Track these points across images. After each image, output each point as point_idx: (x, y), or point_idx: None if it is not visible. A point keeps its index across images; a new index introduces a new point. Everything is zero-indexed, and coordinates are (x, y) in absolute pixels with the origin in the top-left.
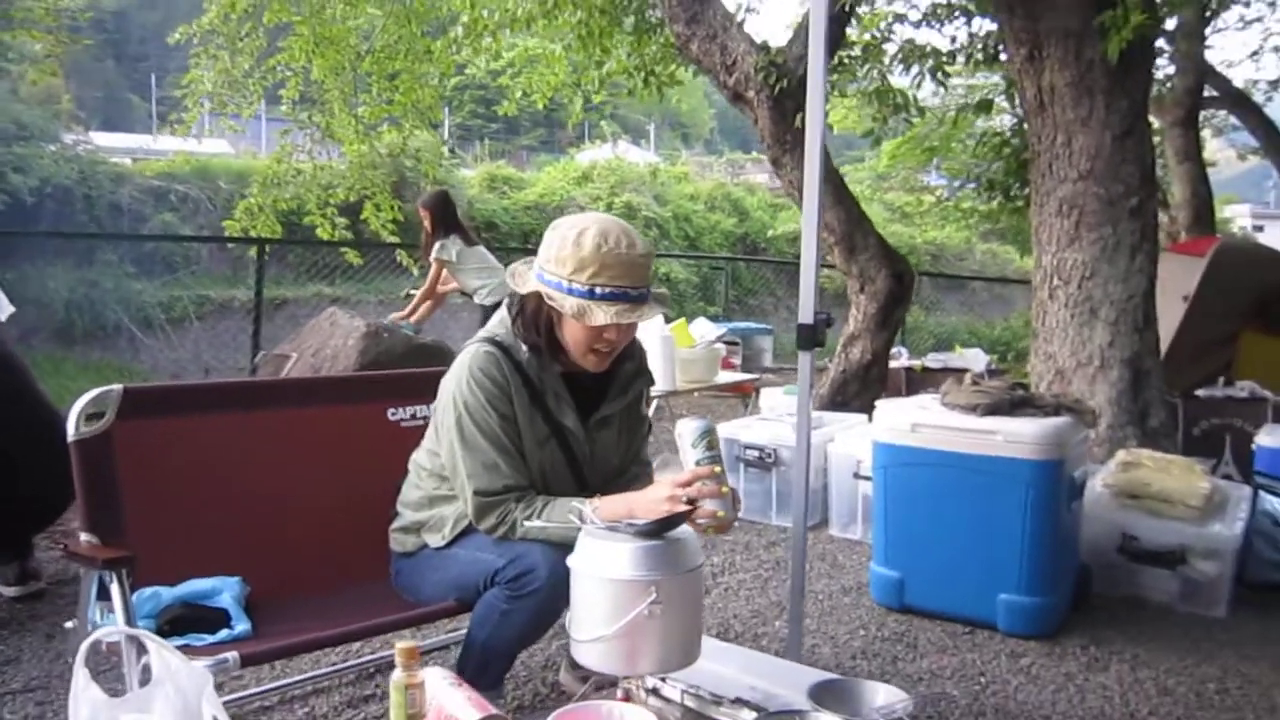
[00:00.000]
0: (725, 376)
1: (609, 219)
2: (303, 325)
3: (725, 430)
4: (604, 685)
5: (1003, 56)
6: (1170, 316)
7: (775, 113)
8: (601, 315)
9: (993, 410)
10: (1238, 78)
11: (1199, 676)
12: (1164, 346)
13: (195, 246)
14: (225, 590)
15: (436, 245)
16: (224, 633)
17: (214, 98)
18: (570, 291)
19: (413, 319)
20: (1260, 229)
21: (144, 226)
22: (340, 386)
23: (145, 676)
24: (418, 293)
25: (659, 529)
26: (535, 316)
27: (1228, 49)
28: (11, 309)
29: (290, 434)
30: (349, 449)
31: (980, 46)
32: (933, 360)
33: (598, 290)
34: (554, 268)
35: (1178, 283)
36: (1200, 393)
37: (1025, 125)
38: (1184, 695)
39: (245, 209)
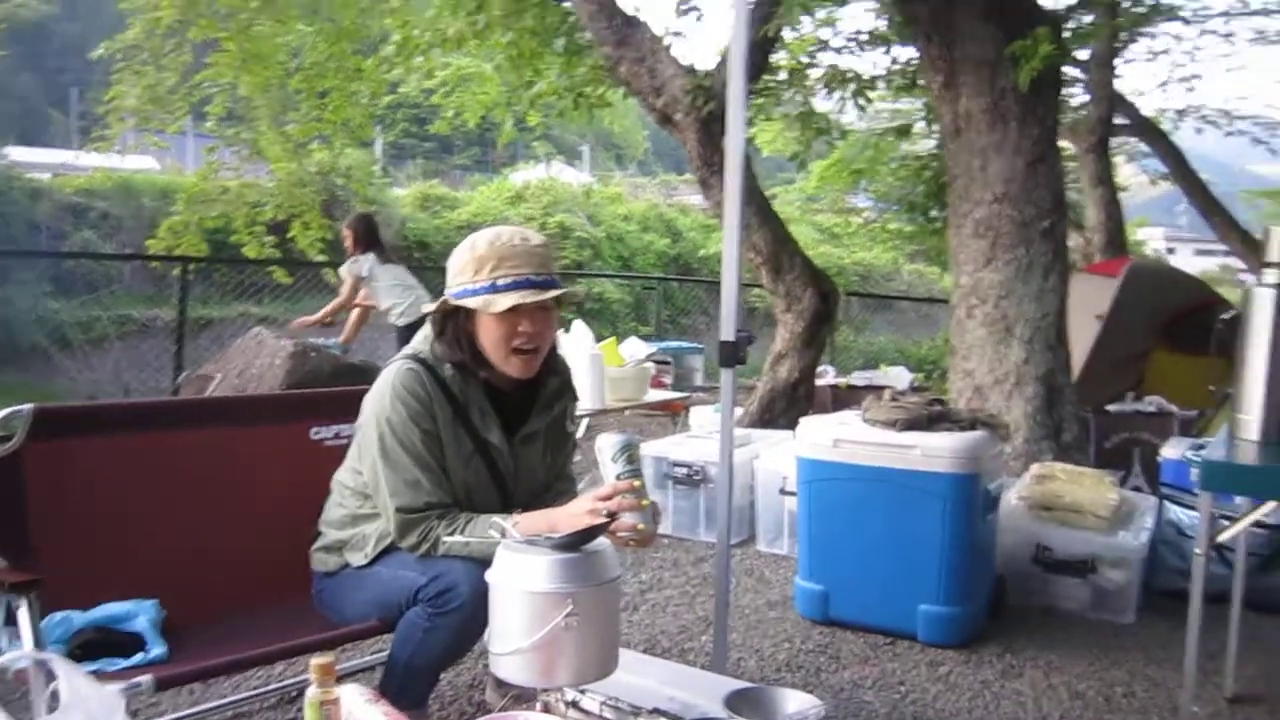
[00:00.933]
0: (655, 395)
1: (504, 225)
2: (228, 346)
3: (655, 448)
4: (525, 699)
5: (921, 82)
6: (1084, 335)
7: (703, 135)
8: (507, 300)
9: (911, 425)
10: (1148, 106)
11: (1108, 680)
12: (1078, 364)
13: (117, 265)
14: (140, 614)
15: (349, 260)
16: (139, 656)
17: (138, 113)
18: (475, 292)
19: (341, 338)
20: (1173, 251)
21: (63, 244)
22: (261, 405)
23: (54, 703)
24: (326, 308)
25: (577, 542)
26: (455, 331)
27: (1137, 79)
28: None
29: (210, 454)
30: (270, 468)
31: (901, 72)
32: (858, 378)
33: (500, 283)
34: (457, 279)
35: (1091, 302)
36: (1111, 408)
37: (944, 149)
38: (1094, 699)
39: (169, 227)
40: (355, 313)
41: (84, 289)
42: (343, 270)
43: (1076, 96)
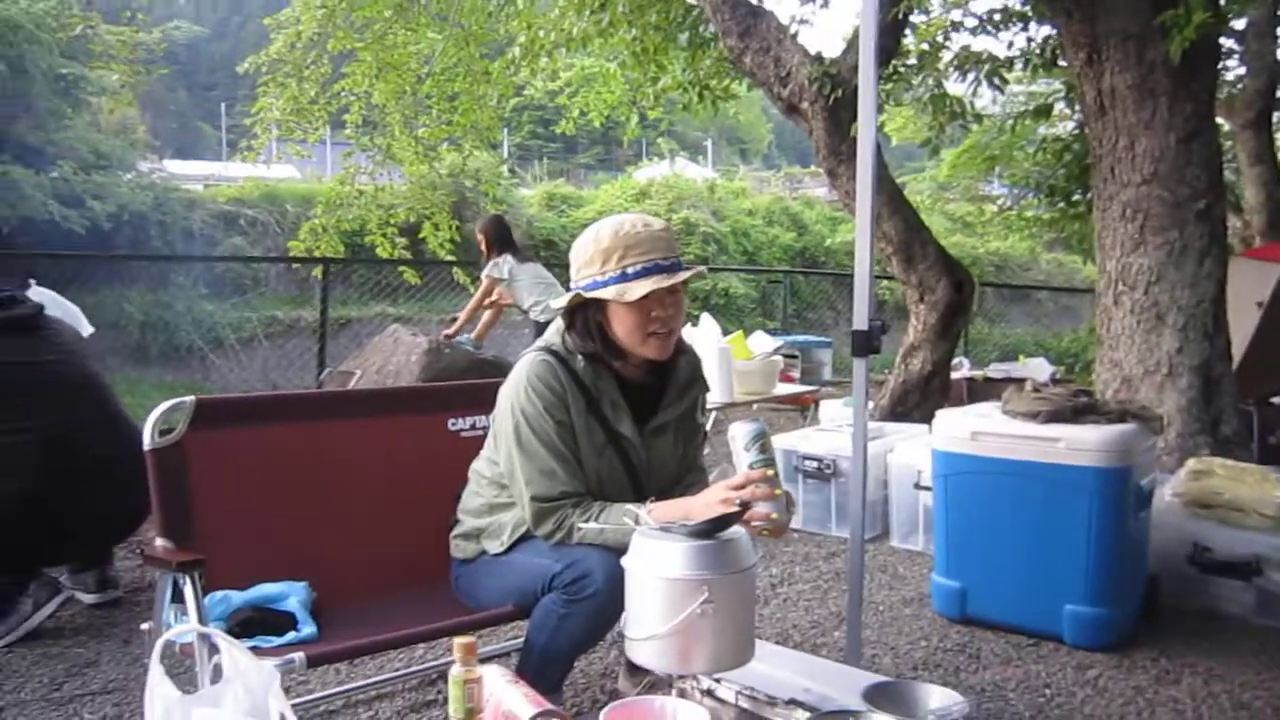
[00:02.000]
0: (784, 389)
1: (623, 214)
2: (366, 344)
3: (784, 441)
4: (661, 687)
5: (1061, 61)
6: (1245, 323)
7: (830, 123)
8: (641, 288)
9: (1055, 417)
10: None
11: (1277, 691)
12: (1238, 353)
13: (263, 268)
14: (292, 595)
15: (489, 264)
16: (291, 635)
17: (281, 124)
18: (606, 283)
19: (473, 335)
20: None
21: (215, 250)
22: (401, 397)
23: (216, 675)
24: (464, 308)
25: (711, 529)
26: (585, 323)
27: None
28: (90, 329)
29: (354, 444)
30: (411, 458)
31: (1038, 51)
32: (995, 370)
33: (630, 270)
34: (584, 271)
35: (1252, 288)
36: (1277, 400)
37: (1086, 130)
38: (1261, 710)
39: (309, 229)
40: (489, 311)
41: (234, 292)
42: (484, 274)
43: (1232, 69)
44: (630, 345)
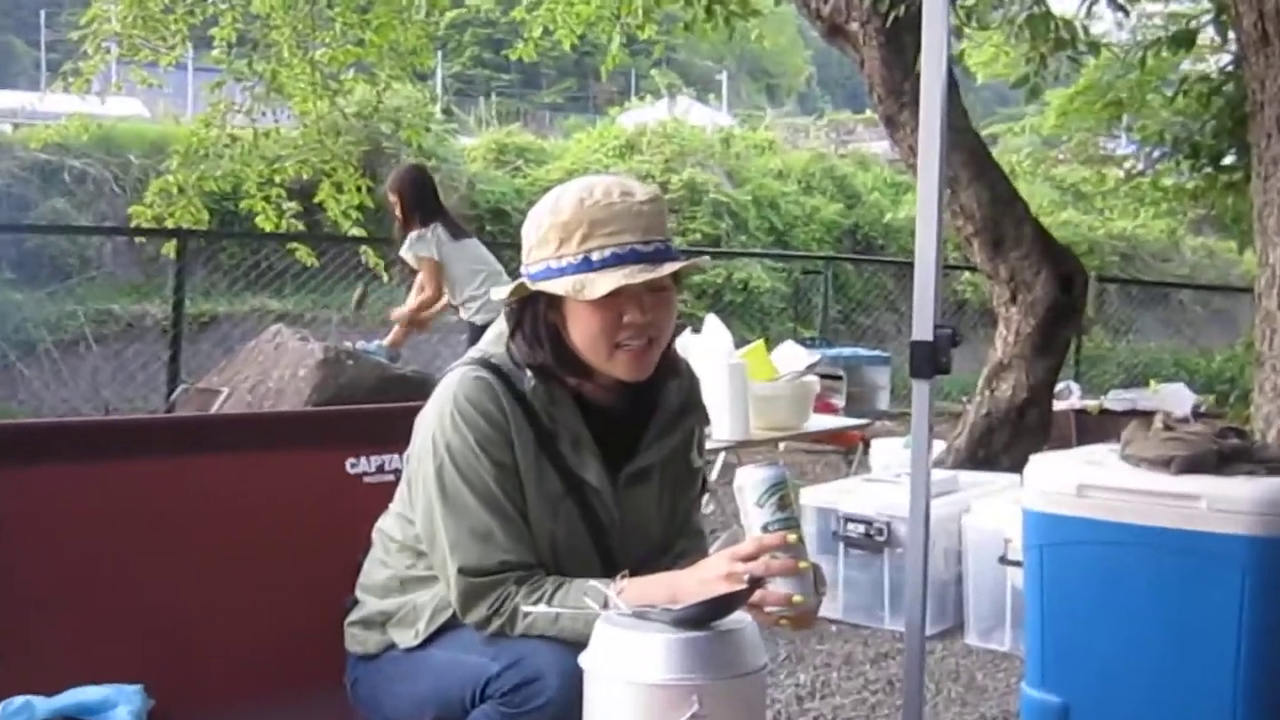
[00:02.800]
0: (821, 422)
1: (596, 176)
2: (238, 351)
3: (820, 496)
4: None
5: None
6: None
7: (888, 52)
8: (607, 281)
9: (1194, 466)
10: None
11: None
12: None
13: (94, 243)
14: (121, 702)
15: (411, 237)
16: None
17: (123, 41)
18: (563, 271)
19: (387, 340)
20: None
21: (25, 217)
22: (284, 427)
23: None
24: (402, 309)
25: (706, 616)
26: (534, 325)
27: None
28: None
29: (216, 491)
30: (292, 513)
31: None
32: (1116, 400)
33: (594, 257)
34: (538, 254)
35: None
36: None
37: (1243, 67)
38: None
39: (161, 189)
40: (411, 306)
41: (52, 276)
42: (405, 253)
43: None
44: (593, 359)
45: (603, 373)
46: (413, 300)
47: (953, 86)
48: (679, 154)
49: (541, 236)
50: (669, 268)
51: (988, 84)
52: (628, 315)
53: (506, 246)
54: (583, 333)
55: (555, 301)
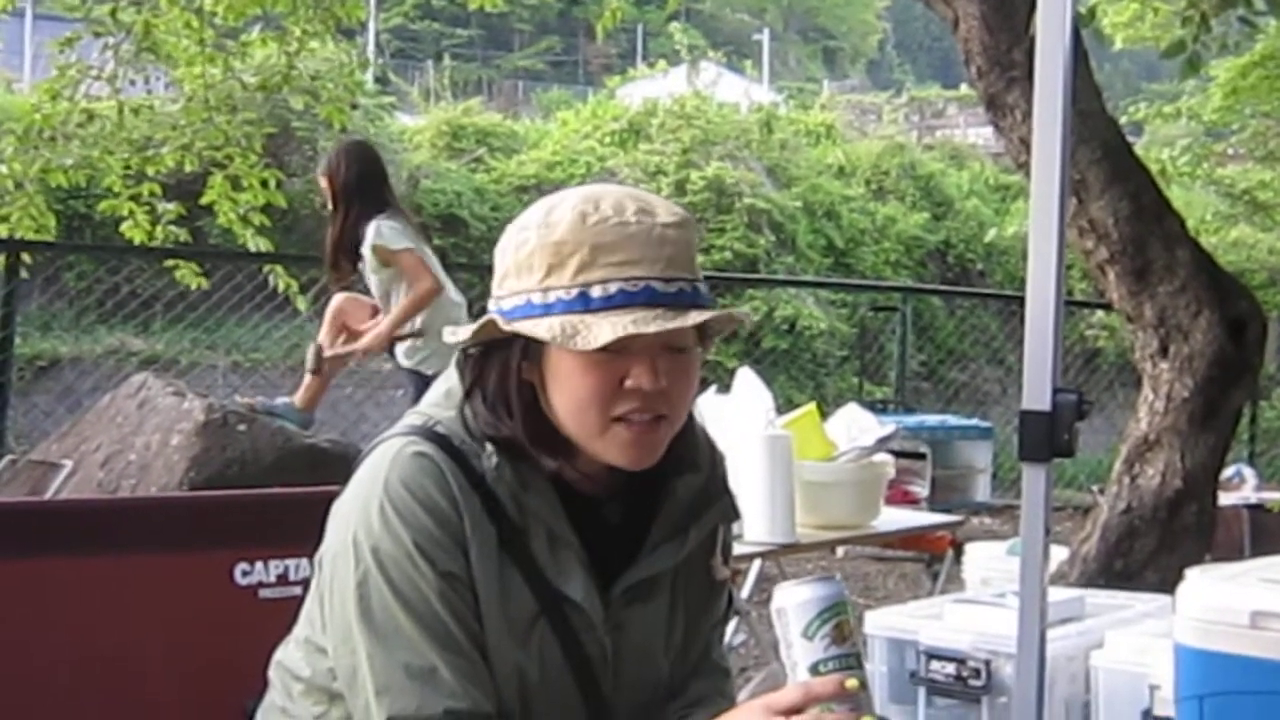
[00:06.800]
0: (896, 519)
1: (603, 185)
2: (87, 408)
3: (893, 623)
4: None
5: None
6: None
7: (992, 9)
8: (607, 329)
9: None
10: None
11: None
12: None
13: None
14: None
15: (380, 227)
16: None
17: None
18: (547, 310)
19: (295, 397)
20: None
21: None
22: (146, 519)
23: None
24: (376, 326)
25: None
26: (501, 383)
27: None
28: None
29: (53, 608)
30: (158, 642)
31: None
32: None
33: (594, 293)
34: (515, 282)
35: None
36: None
37: None
38: None
39: None
40: (394, 317)
41: None
42: (374, 245)
43: None
44: (578, 433)
45: (590, 454)
46: (403, 302)
47: (1081, 56)
48: (702, 142)
49: (523, 260)
50: (695, 317)
51: (1129, 52)
52: (632, 378)
53: (462, 268)
54: (568, 397)
55: (534, 350)
